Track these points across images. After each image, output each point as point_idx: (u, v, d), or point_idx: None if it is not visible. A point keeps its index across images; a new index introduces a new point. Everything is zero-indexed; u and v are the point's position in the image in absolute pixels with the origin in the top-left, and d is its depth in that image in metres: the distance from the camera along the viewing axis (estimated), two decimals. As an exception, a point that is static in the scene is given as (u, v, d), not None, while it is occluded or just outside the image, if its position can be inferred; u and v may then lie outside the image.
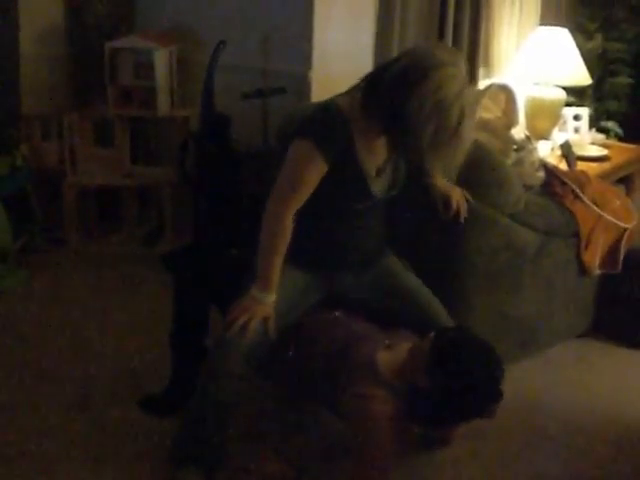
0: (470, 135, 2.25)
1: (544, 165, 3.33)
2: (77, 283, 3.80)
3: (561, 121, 4.50)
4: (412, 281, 2.64)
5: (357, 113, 2.29)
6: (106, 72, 3.92)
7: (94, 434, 2.68)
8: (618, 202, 3.20)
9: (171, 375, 2.81)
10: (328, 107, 2.32)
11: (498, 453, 2.66)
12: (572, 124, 4.59)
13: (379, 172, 2.39)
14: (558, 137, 4.33)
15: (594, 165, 4.19)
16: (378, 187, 2.40)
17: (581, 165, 4.00)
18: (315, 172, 2.28)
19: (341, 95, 2.37)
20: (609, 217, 3.11)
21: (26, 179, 3.87)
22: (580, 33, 4.81)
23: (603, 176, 4.11)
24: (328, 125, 2.28)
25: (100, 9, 4.14)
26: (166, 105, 4.00)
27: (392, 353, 2.44)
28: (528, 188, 3.23)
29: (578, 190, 3.10)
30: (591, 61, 4.74)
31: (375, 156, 2.37)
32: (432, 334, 2.33)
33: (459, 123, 2.16)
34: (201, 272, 2.86)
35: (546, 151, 4.22)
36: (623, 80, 5.07)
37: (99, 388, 2.95)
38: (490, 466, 2.60)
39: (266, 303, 2.34)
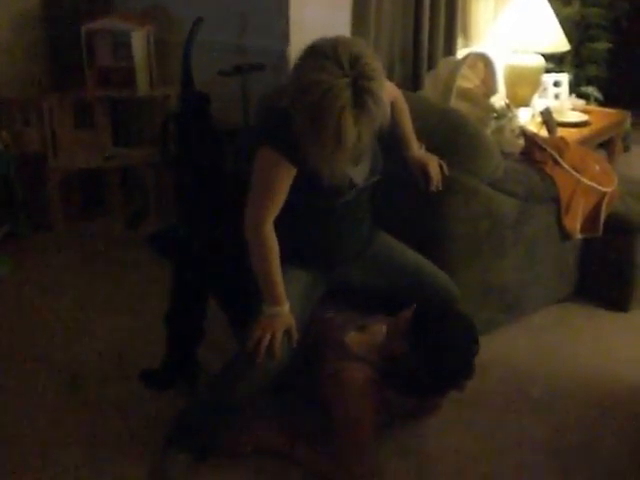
0: (340, 138, 2.07)
1: (523, 132, 3.35)
2: (63, 267, 3.81)
3: (541, 88, 4.52)
4: (408, 253, 2.67)
5: None
6: (84, 54, 3.90)
7: (86, 414, 2.71)
8: (597, 167, 3.22)
9: (166, 353, 2.82)
10: (279, 111, 2.24)
11: (483, 419, 2.69)
12: (552, 90, 4.60)
13: (356, 161, 2.36)
14: (538, 104, 4.34)
15: (575, 131, 4.22)
16: (358, 176, 2.39)
17: (562, 131, 4.02)
18: (283, 176, 2.25)
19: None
20: (588, 182, 3.13)
21: (8, 165, 3.86)
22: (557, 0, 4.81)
23: (584, 141, 4.13)
24: (283, 128, 2.19)
25: (75, -9, 4.12)
26: (145, 85, 3.99)
27: (364, 333, 2.50)
28: (508, 155, 3.26)
29: (557, 156, 3.11)
30: (569, 27, 4.76)
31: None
32: (412, 307, 2.38)
33: (315, 114, 2.05)
34: (195, 254, 2.85)
35: (526, 118, 4.24)
36: (602, 45, 5.08)
37: (90, 369, 2.97)
38: (475, 432, 2.63)
39: (283, 315, 2.32)
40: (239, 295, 2.56)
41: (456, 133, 2.86)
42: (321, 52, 2.05)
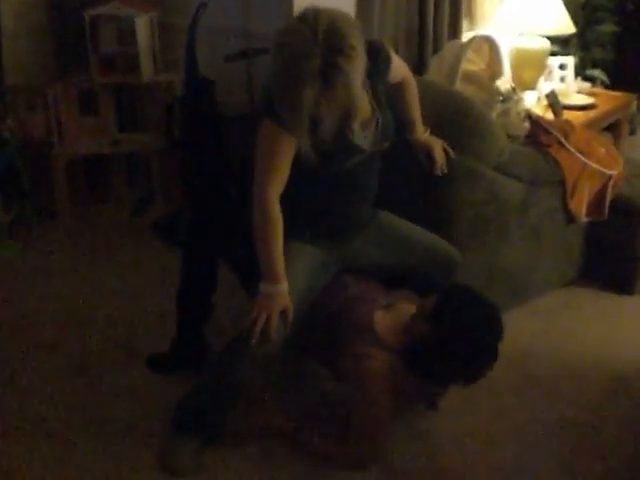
0: (300, 104, 2.04)
1: (528, 115, 3.34)
2: (68, 253, 3.83)
3: (547, 71, 4.49)
4: (409, 226, 2.68)
5: None
6: (88, 40, 3.89)
7: (92, 399, 2.73)
8: (603, 150, 3.21)
9: (176, 334, 2.83)
10: None
11: (491, 402, 2.70)
12: (558, 73, 4.58)
13: (364, 126, 2.36)
14: (544, 87, 4.32)
15: (580, 114, 4.20)
16: (365, 140, 2.37)
17: (568, 114, 4.00)
18: (285, 147, 2.24)
19: None
20: (594, 165, 3.12)
21: (14, 152, 3.86)
22: (563, -18, 4.78)
23: (590, 124, 4.11)
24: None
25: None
26: (150, 71, 3.99)
27: (390, 313, 2.49)
28: (514, 138, 3.25)
29: (563, 139, 3.10)
30: (575, 10, 4.72)
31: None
32: (439, 291, 2.38)
33: (281, 72, 2.06)
34: (200, 232, 2.85)
35: (532, 101, 4.22)
36: (608, 28, 5.05)
37: (96, 355, 2.98)
38: (483, 415, 2.65)
39: (280, 294, 2.29)
40: (249, 257, 2.55)
41: (461, 116, 2.85)
42: (303, 17, 2.03)
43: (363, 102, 2.32)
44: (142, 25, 3.89)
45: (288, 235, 2.34)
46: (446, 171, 2.71)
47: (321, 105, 2.07)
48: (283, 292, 2.30)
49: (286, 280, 2.31)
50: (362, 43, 2.06)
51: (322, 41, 1.98)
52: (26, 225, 3.99)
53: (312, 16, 2.02)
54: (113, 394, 2.74)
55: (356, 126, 2.33)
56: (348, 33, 2.01)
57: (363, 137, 2.37)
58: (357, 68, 2.04)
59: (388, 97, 2.43)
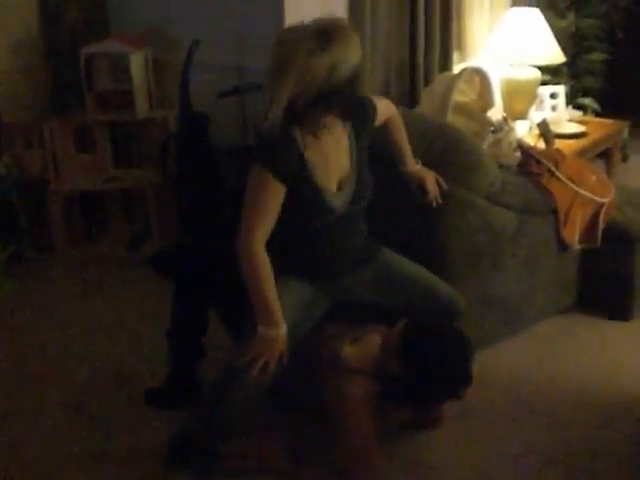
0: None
1: (519, 145, 3.38)
2: (66, 288, 3.84)
3: (538, 100, 4.55)
4: (411, 266, 2.66)
5: (297, 129, 2.28)
6: (83, 78, 3.93)
7: (86, 434, 2.72)
8: (594, 177, 3.24)
9: (169, 371, 2.84)
10: (277, 130, 2.25)
11: (487, 430, 2.70)
12: (549, 102, 4.64)
13: (341, 186, 2.39)
14: (536, 116, 4.37)
15: (572, 142, 4.25)
16: (339, 201, 2.38)
17: (559, 143, 4.04)
18: (273, 195, 2.25)
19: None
20: (586, 193, 3.15)
21: (10, 188, 3.89)
22: (552, 12, 4.85)
23: (582, 152, 4.16)
24: (276, 147, 2.24)
25: (74, 15, 4.15)
26: (144, 107, 4.02)
27: (359, 345, 2.51)
28: (505, 168, 3.28)
29: (553, 168, 3.14)
30: (565, 39, 4.80)
31: (334, 170, 2.37)
32: (402, 322, 2.41)
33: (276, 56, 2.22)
34: (196, 271, 2.88)
35: (524, 131, 4.27)
36: (598, 56, 5.11)
37: (93, 390, 2.98)
38: (479, 443, 2.64)
39: (278, 338, 2.28)
40: (238, 307, 2.57)
41: (452, 149, 2.88)
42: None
43: (343, 155, 2.38)
44: (136, 62, 3.93)
45: (276, 271, 2.34)
46: (440, 201, 2.73)
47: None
48: (283, 336, 2.29)
49: (285, 324, 2.30)
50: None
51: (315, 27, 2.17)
52: (22, 261, 4.00)
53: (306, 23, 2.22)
54: (107, 429, 2.74)
55: (333, 187, 2.37)
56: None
57: (339, 198, 2.39)
58: (350, 44, 2.18)
59: (372, 140, 2.48)
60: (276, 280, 2.33)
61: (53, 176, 4.05)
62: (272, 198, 2.26)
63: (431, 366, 2.33)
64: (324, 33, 2.15)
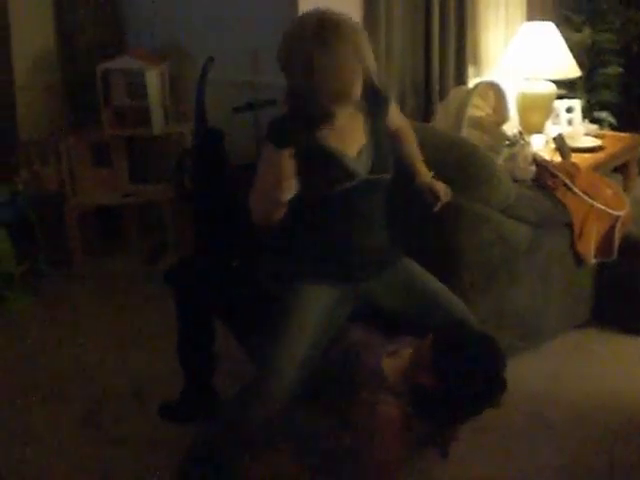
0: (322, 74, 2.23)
1: (534, 159, 3.37)
2: (82, 303, 3.87)
3: (554, 114, 4.54)
4: (430, 280, 2.64)
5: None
6: (99, 94, 3.97)
7: (103, 450, 2.73)
8: (609, 191, 3.23)
9: (184, 385, 2.84)
10: (281, 117, 2.36)
11: (501, 445, 2.68)
12: (565, 116, 4.62)
13: (358, 153, 2.42)
14: (552, 130, 4.36)
15: (589, 156, 4.22)
16: (359, 164, 2.41)
17: (576, 157, 4.02)
18: (279, 159, 2.24)
19: None
20: (601, 206, 3.13)
21: (27, 204, 3.93)
22: (568, 26, 4.84)
23: (598, 166, 4.13)
24: (274, 123, 2.30)
25: (91, 32, 4.20)
26: (160, 123, 4.05)
27: (396, 359, 2.48)
28: (520, 182, 3.27)
29: (568, 181, 3.13)
30: (581, 53, 4.78)
31: (351, 139, 2.42)
32: (432, 334, 2.38)
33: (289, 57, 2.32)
34: (202, 283, 2.89)
35: (540, 145, 4.25)
36: (614, 70, 5.08)
37: (107, 405, 3.00)
38: (495, 459, 2.62)
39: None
40: (251, 321, 2.57)
41: (465, 162, 2.87)
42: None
43: (357, 126, 2.44)
44: (152, 78, 3.97)
45: (300, 277, 2.40)
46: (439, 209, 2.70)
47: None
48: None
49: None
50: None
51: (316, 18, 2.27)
52: (38, 276, 4.03)
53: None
54: (124, 444, 2.74)
55: (352, 152, 2.41)
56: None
57: (359, 162, 2.41)
58: (353, 40, 2.25)
59: (387, 135, 2.52)
60: (297, 289, 2.38)
61: (70, 191, 4.09)
62: (283, 163, 2.24)
63: (465, 375, 2.28)
64: (323, 31, 2.24)
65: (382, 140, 2.48)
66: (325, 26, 2.24)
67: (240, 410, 2.38)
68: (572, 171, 3.20)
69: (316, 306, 2.43)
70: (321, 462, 2.47)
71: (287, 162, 2.25)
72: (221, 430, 2.43)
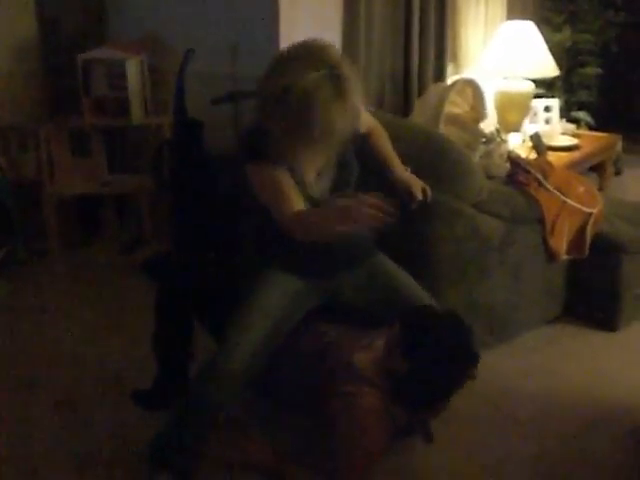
0: (328, 125, 2.13)
1: (508, 155, 3.40)
2: (58, 291, 3.87)
3: (532, 113, 4.58)
4: (402, 276, 2.67)
5: None
6: (80, 83, 3.97)
7: (78, 436, 2.74)
8: (582, 188, 3.26)
9: (155, 376, 2.85)
10: (250, 129, 2.39)
11: (470, 438, 2.71)
12: (543, 115, 4.66)
13: (320, 174, 2.43)
14: (529, 129, 4.40)
15: (565, 155, 4.27)
16: (316, 189, 2.42)
17: (552, 155, 4.07)
18: (280, 175, 2.30)
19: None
20: (573, 203, 3.17)
21: (5, 191, 3.93)
22: (548, 26, 4.89)
23: (574, 165, 4.19)
24: (256, 140, 2.30)
25: (73, 21, 4.21)
26: (140, 113, 4.06)
27: (369, 352, 2.51)
28: (494, 178, 3.31)
29: (541, 177, 3.16)
30: (560, 53, 4.83)
31: (314, 160, 2.40)
32: (398, 319, 2.41)
33: (301, 113, 2.10)
34: (182, 278, 2.90)
35: (517, 143, 4.30)
36: (592, 70, 5.15)
37: (84, 391, 3.00)
38: (462, 450, 2.65)
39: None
40: (224, 317, 2.59)
41: (440, 157, 2.91)
42: (289, 57, 2.16)
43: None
44: (132, 68, 3.97)
45: (267, 263, 2.45)
46: (417, 207, 2.71)
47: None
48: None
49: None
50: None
51: (321, 65, 2.10)
52: (16, 264, 4.03)
53: (301, 50, 2.16)
54: (98, 431, 2.75)
55: (311, 177, 2.41)
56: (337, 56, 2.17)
57: (317, 186, 2.43)
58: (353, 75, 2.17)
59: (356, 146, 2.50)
60: (263, 273, 2.42)
61: (48, 179, 4.09)
62: (282, 177, 2.29)
63: (435, 352, 2.31)
64: (337, 84, 2.12)
65: (344, 152, 2.45)
66: (338, 79, 2.12)
67: (198, 390, 2.42)
68: (545, 168, 3.24)
69: (278, 291, 2.47)
70: (293, 453, 2.51)
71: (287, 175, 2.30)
72: (184, 411, 2.46)
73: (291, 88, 2.08)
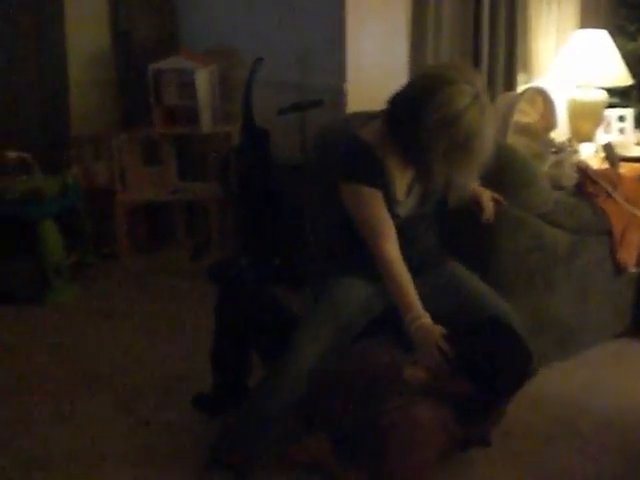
0: (484, 152, 2.32)
1: (577, 165, 3.34)
2: (127, 295, 3.95)
3: (605, 122, 4.48)
4: (476, 282, 2.67)
5: (381, 139, 2.41)
6: (151, 93, 4.06)
7: (139, 436, 2.78)
8: (654, 200, 3.19)
9: (213, 380, 2.88)
10: (355, 144, 2.44)
11: (531, 452, 2.66)
12: (617, 125, 4.55)
13: (409, 190, 2.49)
14: (602, 139, 4.31)
15: (639, 165, 4.16)
16: (404, 208, 2.49)
17: (626, 166, 3.96)
18: (375, 202, 2.39)
19: (363, 127, 2.49)
20: (643, 215, 3.10)
21: (77, 198, 4.03)
22: (621, 35, 4.78)
23: (648, 176, 4.07)
24: (363, 161, 2.39)
25: (145, 32, 4.30)
26: (209, 122, 4.13)
27: (417, 368, 2.49)
28: (562, 189, 3.25)
29: (610, 188, 3.10)
30: (634, 62, 4.71)
31: (405, 176, 2.47)
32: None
33: (467, 139, 2.25)
34: (245, 283, 2.92)
35: (590, 153, 4.21)
36: (667, 79, 5.00)
37: (146, 392, 3.06)
38: (523, 464, 2.60)
39: (429, 325, 2.34)
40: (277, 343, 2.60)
41: (506, 167, 2.86)
42: (446, 80, 2.25)
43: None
44: (202, 78, 4.04)
45: (341, 271, 2.51)
46: (492, 219, 2.73)
47: None
48: (430, 323, 2.34)
49: (426, 313, 2.37)
50: None
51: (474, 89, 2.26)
52: (87, 268, 4.13)
53: (460, 75, 2.28)
54: (157, 431, 2.80)
55: (402, 190, 2.47)
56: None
57: (405, 204, 2.49)
58: None
59: None
60: (337, 280, 2.48)
61: (120, 187, 4.19)
62: (376, 205, 2.39)
63: (489, 359, 2.31)
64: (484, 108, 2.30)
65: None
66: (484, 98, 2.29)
67: (262, 392, 2.46)
68: (615, 179, 3.17)
69: (352, 297, 2.50)
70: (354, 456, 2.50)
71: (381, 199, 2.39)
72: (245, 416, 2.48)
73: (458, 120, 2.23)
